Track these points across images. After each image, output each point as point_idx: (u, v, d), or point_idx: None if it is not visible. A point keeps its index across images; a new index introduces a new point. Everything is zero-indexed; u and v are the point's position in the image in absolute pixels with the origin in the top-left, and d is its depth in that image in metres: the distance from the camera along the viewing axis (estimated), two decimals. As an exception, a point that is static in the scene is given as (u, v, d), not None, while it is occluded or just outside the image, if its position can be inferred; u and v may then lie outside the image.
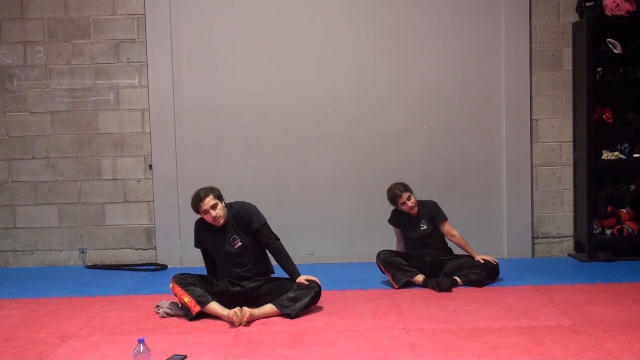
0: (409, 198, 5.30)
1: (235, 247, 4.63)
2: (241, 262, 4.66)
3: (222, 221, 4.62)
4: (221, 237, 4.65)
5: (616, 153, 6.04)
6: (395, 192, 5.30)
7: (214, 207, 4.56)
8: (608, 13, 5.90)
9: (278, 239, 4.69)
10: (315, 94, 6.21)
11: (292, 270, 4.62)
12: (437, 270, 5.26)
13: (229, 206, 4.70)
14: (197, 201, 4.59)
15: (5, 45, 6.21)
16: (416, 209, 5.35)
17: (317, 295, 4.56)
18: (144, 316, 4.58)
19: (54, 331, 4.29)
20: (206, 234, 4.72)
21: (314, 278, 4.60)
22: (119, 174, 6.29)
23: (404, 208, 5.33)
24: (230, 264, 4.66)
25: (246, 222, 4.65)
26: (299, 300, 4.46)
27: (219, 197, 4.63)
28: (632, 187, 6.07)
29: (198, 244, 4.82)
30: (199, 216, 4.75)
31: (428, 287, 5.06)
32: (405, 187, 5.33)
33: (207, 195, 4.57)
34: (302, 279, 4.57)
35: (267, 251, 4.75)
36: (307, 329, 4.20)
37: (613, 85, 5.95)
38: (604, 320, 4.19)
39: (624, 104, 6.09)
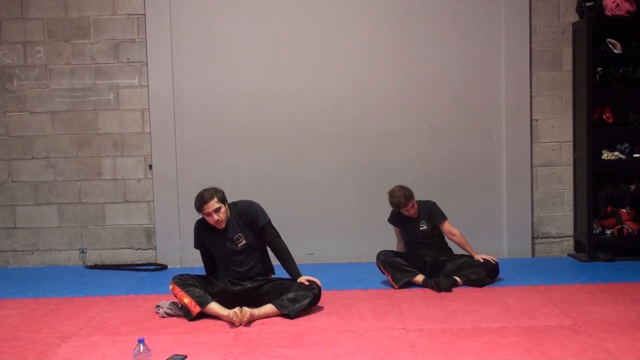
0: (413, 206, 5.29)
1: (239, 245, 4.63)
2: (244, 261, 4.66)
3: (224, 225, 4.61)
4: (224, 236, 4.65)
5: (616, 153, 6.03)
6: (400, 201, 5.22)
7: (217, 210, 4.54)
8: (608, 13, 5.89)
9: (281, 238, 4.71)
10: (315, 94, 6.21)
11: (294, 270, 4.63)
12: (437, 270, 5.26)
13: (232, 205, 4.70)
14: (200, 203, 4.57)
15: (5, 45, 6.21)
16: (415, 211, 5.36)
17: (317, 296, 4.56)
18: (144, 316, 4.58)
19: (54, 331, 4.29)
20: (208, 233, 4.70)
21: (314, 279, 4.60)
22: (119, 174, 6.29)
23: (407, 214, 5.33)
24: (233, 262, 4.66)
25: (252, 220, 4.66)
26: (299, 301, 4.46)
27: (223, 199, 4.61)
28: (632, 187, 6.07)
29: (198, 244, 4.81)
30: (199, 216, 4.75)
31: (428, 287, 5.07)
32: (408, 197, 5.23)
33: (211, 198, 4.54)
34: (302, 279, 4.58)
35: (270, 250, 4.75)
36: (307, 329, 4.20)
37: (613, 85, 5.95)
38: (604, 320, 4.19)
39: (624, 104, 6.09)
